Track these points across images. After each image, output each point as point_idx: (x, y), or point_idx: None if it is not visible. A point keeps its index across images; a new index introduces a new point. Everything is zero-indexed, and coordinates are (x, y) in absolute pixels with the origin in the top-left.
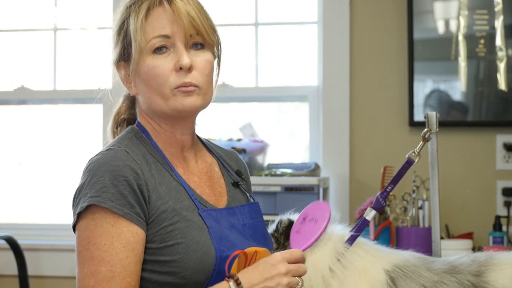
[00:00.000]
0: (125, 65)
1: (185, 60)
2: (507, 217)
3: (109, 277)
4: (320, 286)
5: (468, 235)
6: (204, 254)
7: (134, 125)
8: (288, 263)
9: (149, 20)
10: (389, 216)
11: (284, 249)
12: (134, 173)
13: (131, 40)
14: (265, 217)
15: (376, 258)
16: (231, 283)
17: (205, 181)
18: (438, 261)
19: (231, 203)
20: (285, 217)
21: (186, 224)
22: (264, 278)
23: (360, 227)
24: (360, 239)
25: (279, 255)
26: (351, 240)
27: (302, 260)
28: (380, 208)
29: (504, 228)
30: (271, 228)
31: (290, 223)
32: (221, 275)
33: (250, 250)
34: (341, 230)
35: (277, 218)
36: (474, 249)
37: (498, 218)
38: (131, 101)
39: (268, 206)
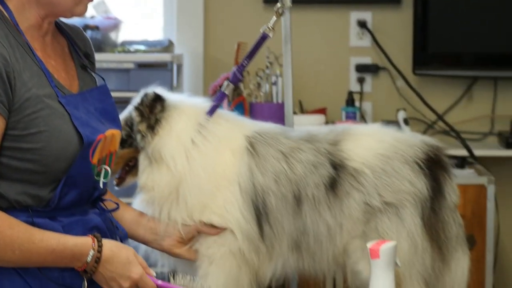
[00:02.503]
0: None
1: None
2: (360, 92)
3: None
4: (182, 157)
5: (321, 111)
6: (66, 142)
7: None
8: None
9: None
10: (243, 92)
11: (149, 121)
12: (4, 60)
13: None
14: (118, 94)
15: (236, 126)
16: (92, 252)
17: (60, 64)
18: (297, 130)
19: (83, 87)
20: (150, 90)
21: (49, 112)
22: (111, 276)
23: (218, 99)
24: (220, 111)
25: (137, 277)
26: (211, 111)
27: None
28: (236, 82)
29: (357, 103)
30: (135, 101)
31: (156, 96)
32: (85, 161)
33: (108, 133)
34: (201, 103)
35: (141, 92)
36: (327, 123)
37: (351, 93)
38: None
39: (121, 83)
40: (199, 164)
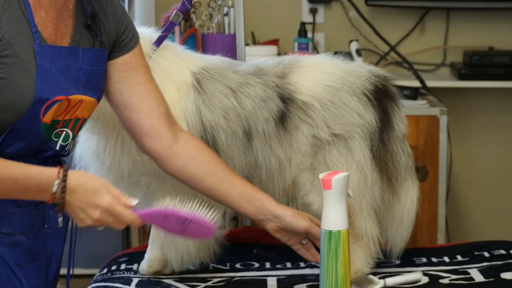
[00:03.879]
0: None
1: None
2: (313, 23)
3: None
4: None
5: (273, 42)
6: (19, 97)
7: None
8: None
9: None
10: (195, 23)
11: None
12: None
13: None
14: None
15: (183, 60)
16: (57, 181)
17: (52, 18)
18: (245, 64)
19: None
20: None
21: (14, 61)
22: (79, 206)
23: (167, 29)
24: (168, 43)
25: (108, 205)
26: (159, 41)
27: (133, 224)
28: (186, 11)
29: (309, 34)
30: None
31: None
32: (34, 117)
33: (75, 97)
34: (148, 33)
35: None
36: (279, 55)
37: (303, 24)
38: None
39: None
40: None
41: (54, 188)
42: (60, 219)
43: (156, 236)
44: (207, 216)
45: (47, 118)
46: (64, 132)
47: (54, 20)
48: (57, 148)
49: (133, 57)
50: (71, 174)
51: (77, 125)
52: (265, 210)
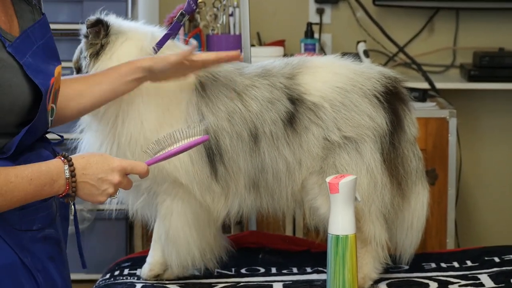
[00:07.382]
0: None
1: None
2: (319, 24)
3: None
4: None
5: (279, 43)
6: (16, 96)
7: None
8: (126, 173)
9: None
10: (199, 23)
11: (95, 47)
12: None
13: None
14: (71, 26)
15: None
16: (66, 166)
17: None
18: (252, 66)
19: (23, 25)
20: (93, 16)
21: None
22: (97, 178)
23: (171, 29)
24: (174, 43)
25: (120, 164)
26: (162, 41)
27: (143, 175)
28: (191, 12)
29: (316, 35)
30: (83, 30)
31: (98, 20)
32: (44, 110)
33: (56, 72)
34: (153, 32)
35: (86, 19)
36: (285, 56)
37: (310, 25)
38: None
39: (74, 14)
40: (138, 93)
41: (67, 173)
42: (72, 208)
43: (157, 239)
44: (197, 132)
45: (49, 105)
46: (51, 107)
47: (1, 8)
48: (50, 125)
49: None
50: (74, 156)
51: (57, 96)
52: (137, 70)
